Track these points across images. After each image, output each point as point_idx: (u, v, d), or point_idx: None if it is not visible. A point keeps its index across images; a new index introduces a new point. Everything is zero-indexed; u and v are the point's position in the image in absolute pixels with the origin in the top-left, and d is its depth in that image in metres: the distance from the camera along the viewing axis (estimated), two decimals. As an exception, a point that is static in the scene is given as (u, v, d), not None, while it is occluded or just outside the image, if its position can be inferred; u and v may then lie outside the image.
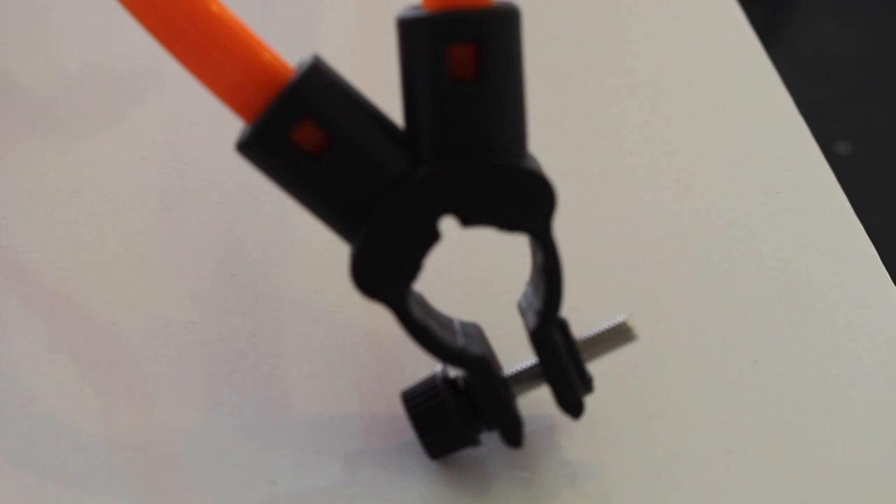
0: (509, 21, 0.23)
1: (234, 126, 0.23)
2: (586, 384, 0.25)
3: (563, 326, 0.25)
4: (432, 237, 0.23)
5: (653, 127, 0.36)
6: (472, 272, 0.30)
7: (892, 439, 0.27)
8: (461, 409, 0.25)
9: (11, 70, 0.37)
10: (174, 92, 0.36)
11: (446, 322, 0.26)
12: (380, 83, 0.26)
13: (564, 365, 0.25)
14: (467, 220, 0.23)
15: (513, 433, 0.25)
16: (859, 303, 0.30)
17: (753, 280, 0.31)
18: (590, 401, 0.25)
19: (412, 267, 0.23)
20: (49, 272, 0.30)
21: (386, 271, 0.23)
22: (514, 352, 0.26)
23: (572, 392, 0.25)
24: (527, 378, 0.25)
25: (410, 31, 0.23)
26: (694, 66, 0.39)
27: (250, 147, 0.23)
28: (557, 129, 0.34)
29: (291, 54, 0.23)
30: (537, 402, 0.26)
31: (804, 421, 0.27)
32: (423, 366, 0.26)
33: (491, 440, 0.26)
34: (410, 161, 0.23)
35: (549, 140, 0.26)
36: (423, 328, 0.24)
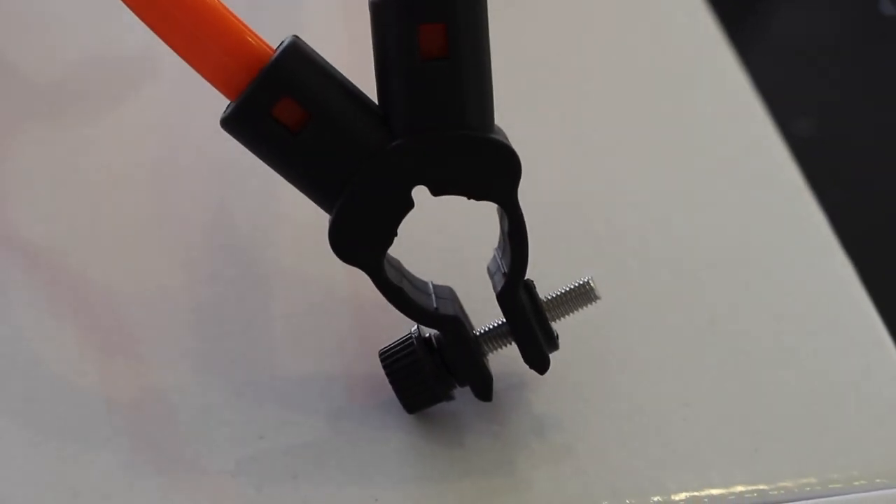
0: (476, 2, 0.23)
1: (223, 107, 0.24)
2: (552, 342, 0.26)
3: (529, 287, 0.26)
4: (406, 205, 0.24)
5: (611, 101, 0.37)
6: (444, 239, 0.31)
7: (837, 390, 0.28)
8: (435, 366, 0.26)
9: (14, 59, 0.38)
10: (168, 77, 0.37)
11: (421, 285, 0.27)
12: (359, 63, 0.27)
13: (531, 324, 0.25)
14: (438, 189, 0.24)
15: (484, 388, 0.26)
16: (808, 266, 0.32)
17: (711, 246, 0.32)
18: (555, 358, 0.26)
19: (387, 234, 0.24)
20: (50, 244, 0.31)
21: (362, 238, 0.24)
22: (484, 312, 0.27)
23: (538, 349, 0.26)
24: (496, 336, 0.26)
25: (382, 12, 0.23)
26: (650, 43, 0.40)
27: (232, 123, 0.23)
28: (523, 104, 0.35)
29: (275, 37, 0.24)
30: (507, 360, 0.27)
31: (757, 375, 0.29)
32: (400, 327, 0.27)
33: (464, 395, 0.27)
34: (385, 135, 0.24)
35: (515, 114, 0.27)
36: (399, 291, 0.25)
